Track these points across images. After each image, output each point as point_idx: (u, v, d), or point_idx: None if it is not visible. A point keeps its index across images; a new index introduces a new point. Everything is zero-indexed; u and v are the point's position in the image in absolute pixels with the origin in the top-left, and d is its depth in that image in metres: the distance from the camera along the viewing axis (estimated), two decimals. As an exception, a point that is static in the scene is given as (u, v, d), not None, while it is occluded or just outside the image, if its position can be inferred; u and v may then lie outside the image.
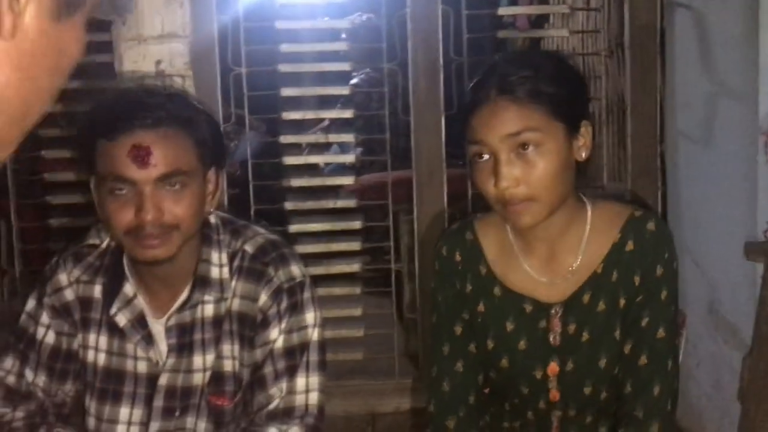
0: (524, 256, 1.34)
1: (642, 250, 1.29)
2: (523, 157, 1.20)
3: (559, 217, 1.27)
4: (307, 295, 1.35)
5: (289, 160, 2.26)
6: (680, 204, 2.21)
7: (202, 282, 1.33)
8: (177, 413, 1.36)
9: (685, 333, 2.17)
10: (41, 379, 1.39)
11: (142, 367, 1.36)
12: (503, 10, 2.29)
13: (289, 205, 2.23)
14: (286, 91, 2.24)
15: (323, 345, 1.38)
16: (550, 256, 1.33)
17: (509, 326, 1.34)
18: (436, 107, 2.26)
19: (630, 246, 1.30)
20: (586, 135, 1.27)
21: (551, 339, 1.33)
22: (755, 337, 1.89)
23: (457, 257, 1.36)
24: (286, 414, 1.33)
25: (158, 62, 1.95)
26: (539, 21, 3.92)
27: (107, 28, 2.00)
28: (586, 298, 1.31)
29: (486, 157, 1.22)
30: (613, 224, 1.31)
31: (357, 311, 2.34)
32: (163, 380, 1.35)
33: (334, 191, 2.55)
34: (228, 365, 1.35)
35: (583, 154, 1.27)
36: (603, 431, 1.36)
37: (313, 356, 1.35)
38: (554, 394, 1.34)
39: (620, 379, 1.31)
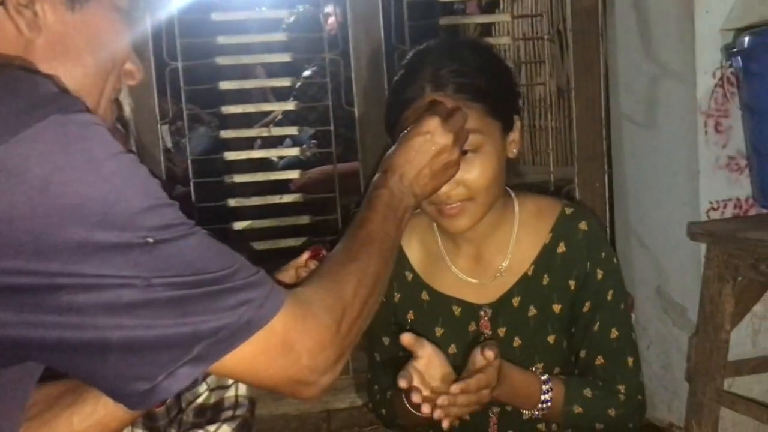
0: (452, 258, 1.29)
1: (575, 253, 1.24)
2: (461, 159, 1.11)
3: (488, 216, 1.21)
4: None
5: (230, 155, 2.20)
6: (626, 187, 2.21)
7: None
8: None
9: (634, 315, 2.18)
10: None
11: None
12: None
13: (232, 203, 2.17)
14: (225, 85, 2.18)
15: None
16: (478, 257, 1.28)
17: (438, 331, 1.29)
18: (380, 96, 2.22)
19: (562, 248, 1.25)
20: (516, 130, 1.22)
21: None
22: (700, 317, 1.89)
23: None
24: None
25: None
26: (490, 7, 3.91)
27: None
28: (515, 301, 1.26)
29: None
30: (543, 222, 1.26)
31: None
32: None
33: (285, 186, 2.49)
34: None
35: (515, 150, 1.22)
36: (548, 428, 1.32)
37: None
38: None
39: None
